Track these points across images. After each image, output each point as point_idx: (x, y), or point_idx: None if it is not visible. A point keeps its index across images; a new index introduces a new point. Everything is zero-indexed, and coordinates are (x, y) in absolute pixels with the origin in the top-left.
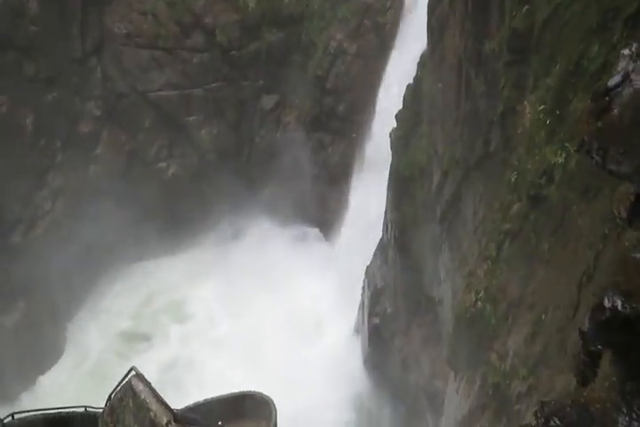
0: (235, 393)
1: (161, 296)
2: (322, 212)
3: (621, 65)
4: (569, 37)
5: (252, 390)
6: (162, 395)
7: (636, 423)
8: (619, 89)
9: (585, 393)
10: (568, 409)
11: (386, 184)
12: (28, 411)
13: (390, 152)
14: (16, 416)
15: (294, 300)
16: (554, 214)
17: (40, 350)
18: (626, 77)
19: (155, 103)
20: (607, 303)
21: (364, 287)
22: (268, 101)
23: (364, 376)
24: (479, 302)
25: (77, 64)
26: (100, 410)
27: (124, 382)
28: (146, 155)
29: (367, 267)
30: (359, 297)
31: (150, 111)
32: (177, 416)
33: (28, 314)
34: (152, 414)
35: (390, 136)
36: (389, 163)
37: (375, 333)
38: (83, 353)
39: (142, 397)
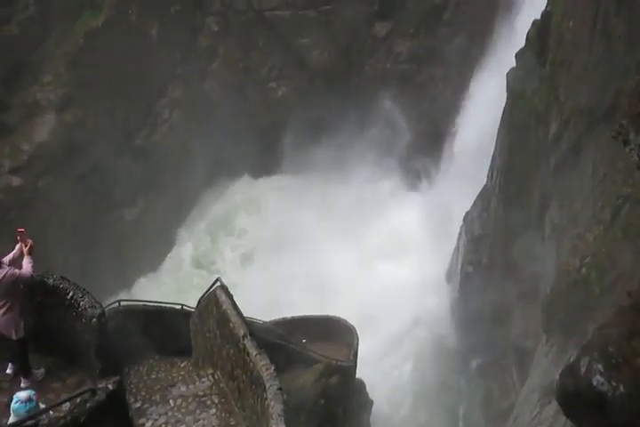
0: (321, 316)
1: (261, 216)
2: (423, 153)
3: None
4: None
5: (338, 316)
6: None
7: None
8: None
9: None
10: None
11: (496, 128)
12: (134, 300)
13: (505, 95)
14: (122, 304)
15: (389, 237)
16: None
17: (153, 247)
18: None
19: (269, 22)
20: (582, 369)
21: (460, 233)
22: (380, 29)
23: (449, 322)
24: (584, 269)
25: None
26: (192, 311)
27: (210, 291)
28: (258, 73)
29: (466, 213)
30: (455, 242)
31: (264, 30)
32: (253, 331)
33: (145, 211)
34: (231, 325)
35: (507, 77)
36: (502, 106)
37: (467, 281)
38: (183, 258)
39: (224, 307)
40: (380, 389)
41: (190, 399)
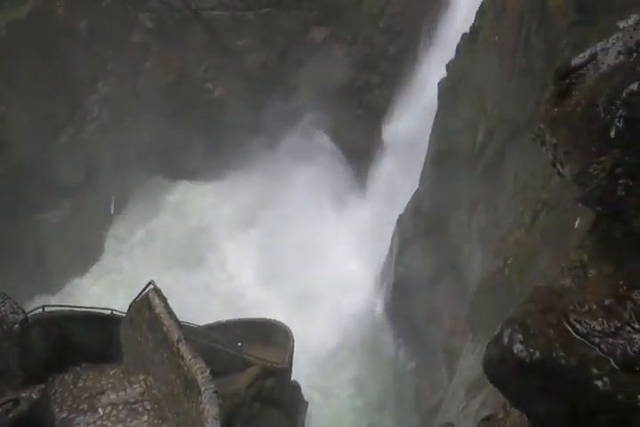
0: (257, 319)
1: (193, 217)
2: (360, 154)
3: (604, 41)
4: None
5: (274, 318)
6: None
7: None
8: (583, 71)
9: (499, 424)
10: None
11: (428, 135)
12: (59, 306)
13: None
14: (47, 309)
15: (324, 242)
16: None
17: (80, 252)
18: (592, 58)
19: (206, 22)
20: (504, 339)
21: (394, 236)
22: (319, 34)
23: (384, 322)
24: (506, 269)
25: None
26: (123, 315)
27: (143, 294)
28: (194, 73)
29: (400, 216)
30: (389, 243)
31: (201, 30)
32: (188, 334)
33: (72, 213)
34: (165, 328)
35: (439, 86)
36: (434, 114)
37: (400, 281)
38: (117, 261)
39: (157, 311)
40: (314, 390)
41: (121, 407)
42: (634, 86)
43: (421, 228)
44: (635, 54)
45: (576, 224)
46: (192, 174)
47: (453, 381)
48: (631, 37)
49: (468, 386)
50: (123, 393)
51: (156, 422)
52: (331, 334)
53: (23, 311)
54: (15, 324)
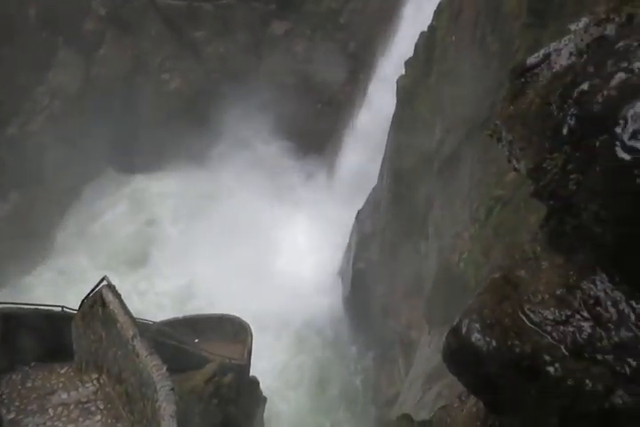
0: (214, 314)
1: (146, 211)
2: (321, 146)
3: (557, 42)
4: (591, 6)
5: (232, 314)
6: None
7: None
8: (537, 70)
9: (454, 412)
10: None
11: (387, 132)
12: (5, 302)
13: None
14: None
15: (281, 237)
16: None
17: (28, 247)
18: (547, 57)
19: (162, 11)
20: (462, 329)
21: (352, 231)
22: (279, 27)
23: (342, 317)
24: (461, 264)
25: None
26: (75, 312)
27: (96, 290)
28: (150, 63)
29: (358, 212)
30: (347, 239)
31: (157, 19)
32: (143, 331)
33: (20, 206)
34: (119, 325)
35: (397, 83)
36: (393, 111)
37: (359, 276)
38: (68, 258)
39: (111, 307)
40: (274, 386)
41: (72, 407)
42: (584, 86)
43: (380, 223)
44: (585, 55)
45: (534, 219)
46: (146, 168)
47: (410, 373)
48: (582, 39)
49: (425, 378)
50: (74, 393)
51: (109, 421)
52: (288, 329)
53: None
54: None
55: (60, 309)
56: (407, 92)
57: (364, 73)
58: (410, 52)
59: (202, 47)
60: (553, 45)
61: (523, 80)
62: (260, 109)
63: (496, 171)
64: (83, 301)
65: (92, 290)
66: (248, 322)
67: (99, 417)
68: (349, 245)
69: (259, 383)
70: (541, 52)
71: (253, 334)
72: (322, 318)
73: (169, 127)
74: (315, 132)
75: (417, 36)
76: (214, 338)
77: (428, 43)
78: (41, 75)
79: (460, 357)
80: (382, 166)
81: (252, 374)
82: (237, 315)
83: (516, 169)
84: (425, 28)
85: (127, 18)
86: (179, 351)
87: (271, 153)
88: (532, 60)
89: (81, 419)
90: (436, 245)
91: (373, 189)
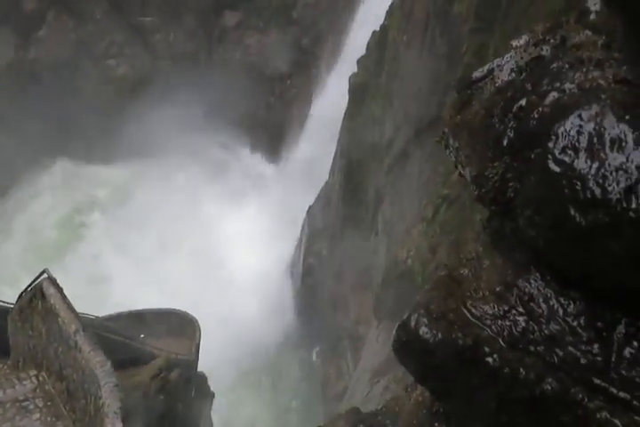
0: (161, 309)
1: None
2: (272, 140)
3: (500, 58)
4: (534, 15)
5: (178, 308)
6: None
7: None
8: (481, 84)
9: (402, 402)
10: (379, 418)
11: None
12: None
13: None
14: None
15: (231, 230)
16: None
17: None
18: (490, 73)
19: None
20: (412, 323)
21: (303, 226)
22: (231, 18)
23: (292, 310)
24: (409, 260)
25: None
26: (11, 306)
27: (35, 283)
28: (94, 48)
29: (309, 207)
30: (298, 234)
31: (103, 2)
32: (87, 326)
33: None
34: (60, 320)
35: (350, 80)
36: (344, 107)
37: (309, 271)
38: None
39: (52, 301)
40: (221, 381)
41: (8, 405)
42: (522, 102)
43: (331, 218)
44: (524, 73)
45: (477, 219)
46: (87, 155)
47: (358, 367)
48: (522, 57)
49: (372, 372)
50: (11, 390)
51: (49, 419)
52: (236, 325)
53: None
54: None
55: None
56: (359, 90)
57: (317, 68)
58: (362, 50)
59: (150, 33)
60: (496, 61)
61: (469, 92)
62: (209, 100)
63: (444, 170)
64: (20, 294)
65: (32, 283)
66: (196, 317)
67: (37, 415)
68: (300, 239)
69: (207, 379)
70: (486, 67)
71: (201, 329)
72: (271, 312)
73: (113, 114)
74: (265, 125)
75: (369, 35)
76: (161, 333)
77: (379, 42)
78: None
79: (408, 348)
80: (334, 162)
81: (199, 369)
82: (185, 309)
83: (461, 174)
84: (377, 27)
85: None
86: (123, 347)
87: (220, 144)
88: (477, 73)
89: (18, 417)
90: (386, 240)
91: (325, 184)
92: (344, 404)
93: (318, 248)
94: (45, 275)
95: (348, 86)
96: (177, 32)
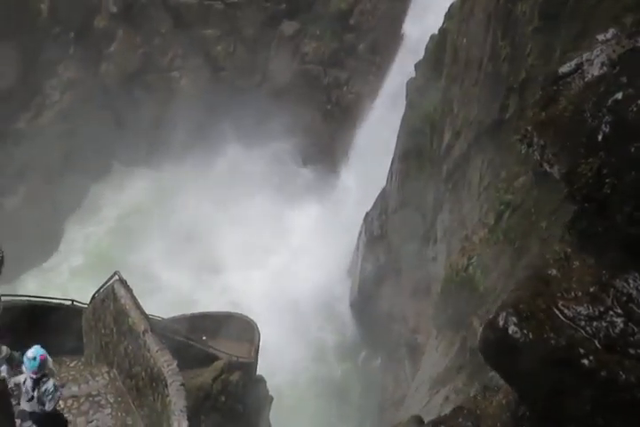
0: (222, 312)
1: (158, 209)
2: (329, 149)
3: (589, 53)
4: (604, 12)
5: (239, 312)
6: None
7: None
8: (569, 79)
9: (484, 405)
10: (460, 420)
11: (396, 133)
12: (15, 295)
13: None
14: (2, 299)
15: (291, 234)
16: (557, 194)
17: (35, 241)
18: (579, 67)
19: (173, 9)
20: (500, 322)
21: (360, 232)
22: (288, 28)
23: (350, 316)
24: (470, 268)
25: None
26: (85, 306)
27: (107, 285)
28: (159, 61)
29: (366, 213)
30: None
31: (168, 17)
32: (154, 326)
33: (27, 200)
34: (130, 320)
35: (407, 86)
36: (402, 113)
37: (366, 278)
38: (73, 253)
39: (122, 302)
40: (280, 385)
41: (83, 400)
42: (618, 95)
43: (388, 225)
44: (617, 67)
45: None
46: (152, 163)
47: (417, 377)
48: (614, 51)
49: (431, 382)
50: (85, 386)
51: (119, 414)
52: (294, 332)
53: None
54: None
55: (69, 302)
56: (417, 95)
57: (374, 74)
58: (420, 55)
59: (211, 45)
60: (585, 56)
61: (555, 88)
62: (268, 108)
63: (506, 176)
64: (93, 295)
65: (104, 284)
66: (256, 320)
67: (109, 410)
68: (357, 245)
69: (265, 382)
70: (573, 61)
71: (261, 332)
72: (328, 318)
73: (177, 124)
74: (323, 133)
75: (427, 39)
76: (222, 336)
77: (438, 45)
78: (52, 69)
79: (497, 348)
80: (391, 168)
81: (258, 373)
82: (246, 312)
83: (547, 172)
84: (435, 31)
85: (138, 16)
86: (187, 348)
87: (280, 152)
88: (564, 69)
89: (91, 412)
90: (445, 248)
91: (382, 190)
92: (402, 413)
93: (375, 256)
94: (117, 277)
95: (405, 91)
96: (236, 43)
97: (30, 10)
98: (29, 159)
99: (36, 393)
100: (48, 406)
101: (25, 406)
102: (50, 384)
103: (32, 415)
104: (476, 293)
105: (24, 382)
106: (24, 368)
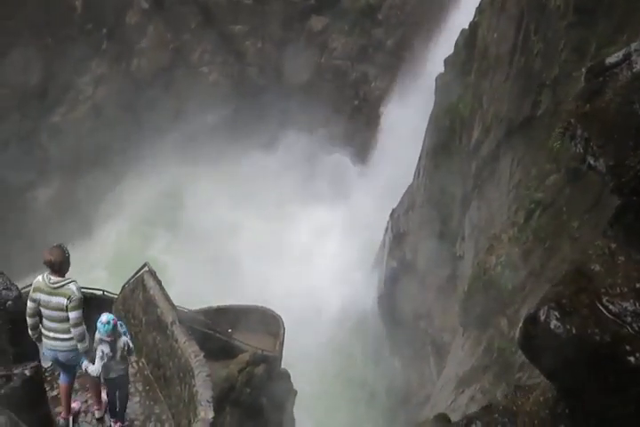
0: (248, 305)
1: (185, 205)
2: (356, 144)
3: (638, 42)
4: None
5: (265, 306)
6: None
7: None
8: (616, 70)
9: (520, 402)
10: (495, 416)
11: (424, 129)
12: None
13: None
14: None
15: (316, 229)
16: (590, 192)
17: (68, 232)
18: (627, 57)
19: (203, 5)
20: (541, 317)
21: (387, 229)
22: (316, 23)
23: (375, 314)
24: (499, 267)
25: None
26: (115, 296)
27: (137, 275)
28: (189, 56)
29: (393, 210)
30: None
31: (198, 13)
32: (181, 318)
33: (61, 192)
34: (159, 310)
35: (436, 81)
36: (429, 109)
37: (392, 275)
38: (108, 240)
39: (151, 293)
40: (304, 379)
41: None
42: None
43: (414, 222)
44: None
45: (575, 225)
46: (172, 158)
47: (442, 375)
48: None
49: (457, 381)
50: None
51: (147, 403)
52: (320, 327)
53: (17, 288)
54: (8, 300)
55: (100, 292)
56: (446, 91)
57: (402, 70)
58: (449, 50)
59: (240, 41)
60: (634, 45)
61: (600, 79)
62: (295, 104)
63: (536, 173)
64: (124, 286)
65: (134, 275)
66: (280, 314)
67: (137, 399)
68: (383, 241)
69: (290, 376)
70: (621, 52)
71: (285, 326)
72: (354, 314)
73: (206, 119)
74: (350, 128)
75: (457, 34)
76: (247, 329)
77: (468, 40)
78: (85, 65)
79: (538, 344)
80: (418, 165)
81: (282, 366)
82: (270, 306)
83: (590, 167)
84: (466, 26)
85: (168, 12)
86: (213, 340)
87: (306, 147)
88: (611, 59)
89: None
90: (473, 246)
91: (409, 187)
92: (427, 411)
93: (401, 252)
94: (146, 268)
95: (434, 87)
96: (265, 39)
97: (64, 6)
98: (64, 153)
99: (119, 353)
100: (130, 359)
101: (109, 373)
102: (124, 339)
103: (115, 380)
104: (503, 292)
105: (104, 353)
106: (97, 335)
